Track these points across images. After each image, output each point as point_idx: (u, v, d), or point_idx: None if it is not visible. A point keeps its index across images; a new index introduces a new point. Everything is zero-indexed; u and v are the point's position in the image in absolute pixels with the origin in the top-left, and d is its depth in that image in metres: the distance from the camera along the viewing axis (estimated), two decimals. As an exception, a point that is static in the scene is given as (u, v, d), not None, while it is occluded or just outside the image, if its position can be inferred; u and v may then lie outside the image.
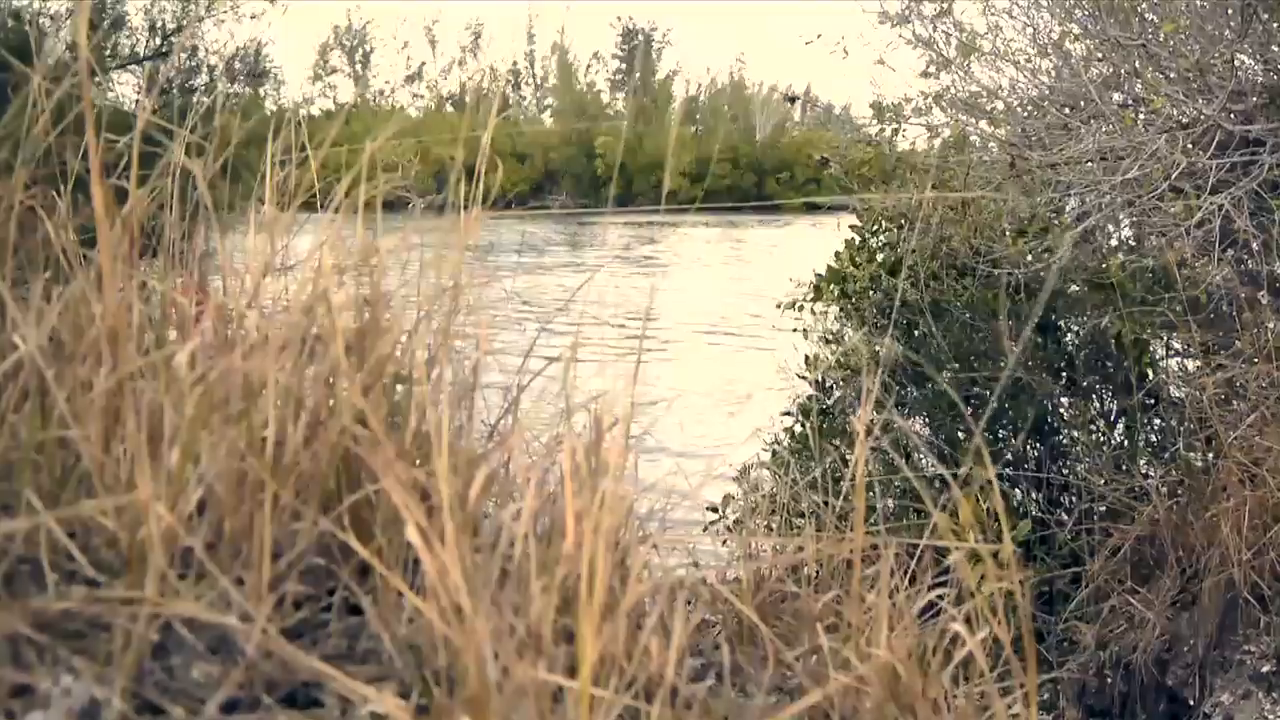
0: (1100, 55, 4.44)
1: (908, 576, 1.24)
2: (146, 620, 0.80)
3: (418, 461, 1.07)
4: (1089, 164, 4.19)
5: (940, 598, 1.08)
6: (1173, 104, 3.84)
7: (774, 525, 1.97)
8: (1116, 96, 4.67)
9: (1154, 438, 4.89)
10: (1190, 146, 3.69)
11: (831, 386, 5.82)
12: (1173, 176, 3.58)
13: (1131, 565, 4.01)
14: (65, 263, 1.17)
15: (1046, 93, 4.79)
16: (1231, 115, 3.67)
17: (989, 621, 0.95)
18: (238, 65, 7.83)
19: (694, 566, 1.19)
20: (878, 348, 5.49)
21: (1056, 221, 5.08)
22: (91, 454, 0.93)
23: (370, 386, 1.04)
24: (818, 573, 1.43)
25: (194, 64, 7.71)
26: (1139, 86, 4.21)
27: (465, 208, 1.17)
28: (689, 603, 0.93)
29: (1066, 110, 4.76)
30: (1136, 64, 4.25)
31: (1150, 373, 4.99)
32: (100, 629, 0.82)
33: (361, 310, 1.09)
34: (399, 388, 1.09)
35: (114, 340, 1.01)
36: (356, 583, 0.92)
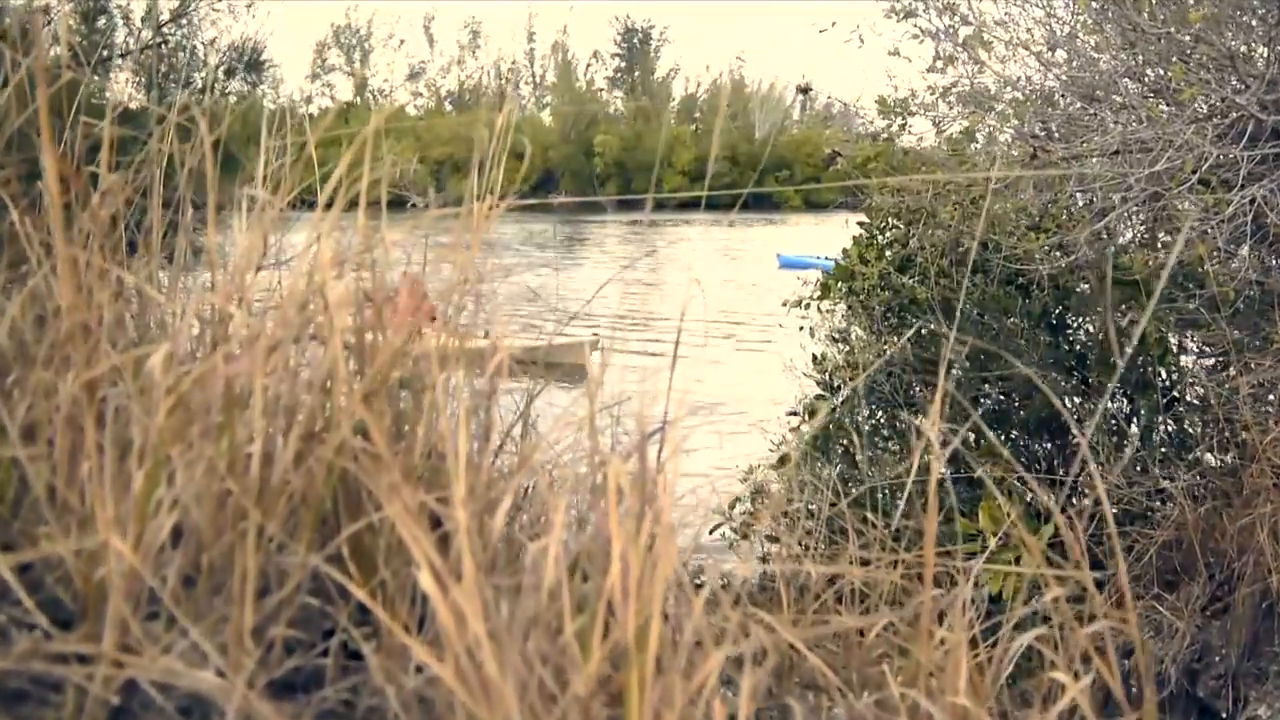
0: (1121, 46, 4.31)
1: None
2: (104, 679, 0.67)
3: (426, 477, 0.94)
4: (1112, 156, 4.06)
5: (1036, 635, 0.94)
6: (1202, 93, 3.71)
7: (804, 541, 1.84)
8: (1133, 87, 4.53)
9: (1173, 439, 4.76)
10: (1220, 138, 3.56)
11: (839, 386, 5.71)
12: (1203, 168, 3.45)
13: (1156, 571, 3.87)
14: (31, 255, 1.05)
15: (1064, 83, 4.65)
16: (1265, 106, 3.55)
17: (1096, 664, 0.82)
18: (235, 60, 7.72)
19: (735, 601, 1.05)
20: (887, 348, 5.38)
21: (1071, 218, 4.95)
22: (44, 477, 0.79)
23: (372, 393, 0.90)
24: (863, 594, 1.30)
25: (189, 61, 7.59)
26: (1163, 76, 4.08)
27: (477, 199, 1.05)
28: (757, 661, 0.79)
29: (1080, 103, 4.62)
30: (1158, 54, 4.12)
31: (1164, 371, 4.86)
32: (50, 689, 0.69)
33: (362, 307, 0.95)
34: (405, 394, 0.96)
35: (75, 341, 0.87)
36: (356, 626, 0.79)
